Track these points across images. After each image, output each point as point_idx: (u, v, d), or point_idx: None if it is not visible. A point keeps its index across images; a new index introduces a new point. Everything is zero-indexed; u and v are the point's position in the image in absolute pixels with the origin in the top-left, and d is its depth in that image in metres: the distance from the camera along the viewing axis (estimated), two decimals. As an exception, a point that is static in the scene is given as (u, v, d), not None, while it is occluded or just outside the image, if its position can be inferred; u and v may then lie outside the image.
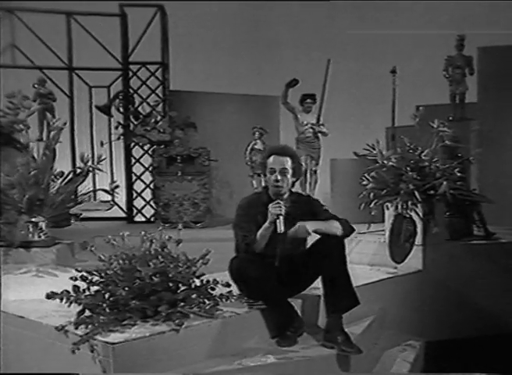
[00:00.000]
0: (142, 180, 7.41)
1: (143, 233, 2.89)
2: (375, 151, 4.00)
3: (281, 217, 2.77)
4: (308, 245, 3.01)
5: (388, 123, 8.19)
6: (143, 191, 7.42)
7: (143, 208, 7.43)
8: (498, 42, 6.09)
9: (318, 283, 2.94)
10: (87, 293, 2.67)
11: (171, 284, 2.68)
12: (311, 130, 6.72)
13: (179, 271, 2.68)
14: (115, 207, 7.21)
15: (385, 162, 3.89)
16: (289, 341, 2.76)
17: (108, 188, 4.79)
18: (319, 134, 6.78)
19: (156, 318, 2.58)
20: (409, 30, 7.90)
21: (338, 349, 2.70)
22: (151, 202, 7.16)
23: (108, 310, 2.61)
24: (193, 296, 2.73)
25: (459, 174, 3.69)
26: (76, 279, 2.65)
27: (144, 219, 7.41)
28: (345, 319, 2.80)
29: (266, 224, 2.83)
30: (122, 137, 7.14)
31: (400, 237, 3.56)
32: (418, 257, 3.71)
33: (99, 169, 4.25)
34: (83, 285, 2.67)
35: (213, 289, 2.77)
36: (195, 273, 2.77)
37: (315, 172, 6.91)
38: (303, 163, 6.88)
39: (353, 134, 8.64)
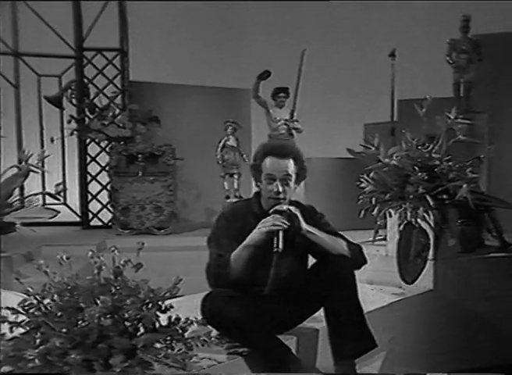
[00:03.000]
0: (98, 181, 6.64)
1: (90, 254, 2.16)
2: (373, 148, 3.37)
3: (281, 232, 2.10)
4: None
5: (367, 118, 7.71)
6: (99, 192, 6.65)
7: (99, 212, 6.65)
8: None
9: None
10: (9, 335, 1.94)
11: (128, 326, 1.97)
12: (284, 126, 6.28)
13: (139, 307, 1.97)
14: (68, 211, 6.51)
15: (387, 160, 3.25)
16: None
17: (53, 191, 4.05)
18: (293, 131, 6.26)
19: None
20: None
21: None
22: (109, 206, 6.40)
23: (37, 362, 1.89)
24: (158, 341, 2.03)
25: (471, 175, 3.09)
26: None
27: (100, 223, 6.63)
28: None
29: (248, 241, 2.15)
30: (75, 133, 6.34)
31: (409, 252, 2.93)
32: (429, 274, 3.08)
33: (40, 169, 3.48)
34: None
35: (184, 330, 2.07)
36: (161, 307, 2.07)
37: None
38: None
39: (329, 131, 8.10)
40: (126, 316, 1.91)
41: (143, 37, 6.89)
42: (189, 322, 2.05)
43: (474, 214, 3.32)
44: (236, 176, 5.77)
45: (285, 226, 2.12)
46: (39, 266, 1.99)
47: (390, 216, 3.25)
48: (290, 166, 2.24)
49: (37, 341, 1.91)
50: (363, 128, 7.71)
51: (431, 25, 7.01)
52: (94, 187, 6.66)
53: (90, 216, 6.68)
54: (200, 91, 7.40)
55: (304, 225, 2.17)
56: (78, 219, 6.66)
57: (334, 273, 2.15)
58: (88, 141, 6.53)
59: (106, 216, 6.59)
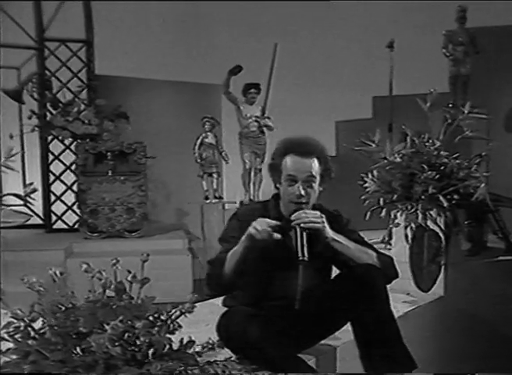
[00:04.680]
0: (62, 181, 6.22)
1: (84, 267, 1.86)
2: (373, 145, 3.17)
3: (305, 238, 1.84)
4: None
5: (339, 115, 7.57)
6: (63, 193, 6.23)
7: (64, 213, 6.23)
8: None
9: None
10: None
11: (136, 352, 1.68)
12: (255, 123, 6.06)
13: (149, 331, 1.69)
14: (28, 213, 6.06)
15: (392, 158, 3.06)
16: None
17: (21, 192, 3.65)
18: (264, 128, 6.07)
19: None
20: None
21: None
22: (75, 207, 6.00)
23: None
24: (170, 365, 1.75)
25: (485, 174, 2.93)
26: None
27: (65, 226, 6.22)
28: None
29: (244, 239, 1.87)
30: (36, 129, 5.90)
31: (422, 257, 2.75)
32: (439, 280, 2.90)
33: (10, 168, 3.10)
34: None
35: (200, 355, 1.80)
36: (169, 328, 1.79)
37: (260, 170, 6.21)
38: (246, 161, 6.10)
39: (301, 129, 7.89)
40: (137, 342, 1.62)
41: (109, 27, 6.51)
42: (206, 346, 1.79)
43: (479, 215, 3.17)
44: (215, 176, 5.49)
45: (323, 225, 1.88)
46: (31, 285, 1.67)
47: (396, 217, 3.05)
48: (314, 165, 1.99)
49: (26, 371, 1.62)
50: (334, 125, 7.61)
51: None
52: (57, 188, 6.23)
53: (54, 218, 6.25)
54: (170, 87, 7.12)
55: (329, 233, 1.93)
56: (40, 221, 6.22)
57: (362, 284, 1.91)
58: (51, 138, 6.11)
59: (71, 218, 6.18)
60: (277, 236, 1.83)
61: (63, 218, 6.24)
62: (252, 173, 6.18)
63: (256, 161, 6.20)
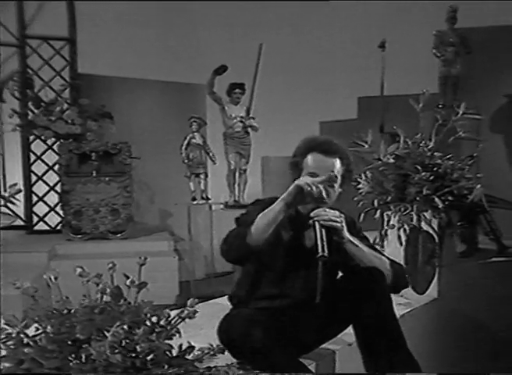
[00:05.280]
0: (45, 182, 6.09)
1: (79, 270, 1.79)
2: (366, 146, 3.15)
3: (324, 234, 1.80)
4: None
5: (323, 116, 7.56)
6: (45, 194, 6.10)
7: (46, 214, 6.10)
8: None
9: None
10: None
11: (135, 358, 1.63)
12: (240, 123, 6.04)
13: (150, 338, 1.63)
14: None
15: (386, 159, 3.04)
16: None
17: (5, 193, 3.55)
18: (249, 129, 6.06)
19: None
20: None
21: None
22: (57, 208, 5.88)
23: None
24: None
25: (479, 175, 2.93)
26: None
27: (47, 228, 6.10)
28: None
29: (286, 194, 1.88)
30: (18, 129, 5.77)
31: (417, 259, 2.73)
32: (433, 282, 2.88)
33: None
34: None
35: (200, 361, 1.75)
36: (168, 333, 1.74)
37: (245, 171, 6.20)
38: (231, 161, 6.06)
39: (286, 129, 7.87)
40: (138, 349, 1.56)
41: (93, 25, 6.40)
42: (206, 351, 1.74)
43: (471, 216, 3.17)
44: (202, 177, 5.42)
45: (342, 225, 1.86)
46: (25, 290, 1.61)
47: (389, 219, 3.04)
48: (337, 165, 1.96)
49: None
50: (318, 126, 7.59)
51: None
52: (39, 188, 6.11)
53: (35, 219, 6.13)
54: (153, 86, 7.03)
55: (346, 234, 1.90)
56: (21, 222, 6.08)
57: (366, 288, 1.88)
58: (32, 138, 5.99)
59: (53, 219, 6.06)
60: (318, 190, 1.85)
61: (46, 219, 6.11)
62: (237, 174, 6.15)
63: (241, 161, 6.18)
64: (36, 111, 5.78)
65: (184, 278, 5.15)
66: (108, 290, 1.65)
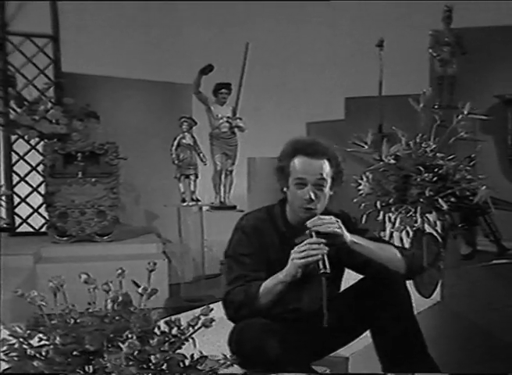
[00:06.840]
0: (27, 182, 5.93)
1: (84, 277, 1.70)
2: (366, 147, 3.12)
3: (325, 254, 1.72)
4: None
5: (310, 117, 7.52)
6: (28, 195, 5.94)
7: (29, 216, 5.94)
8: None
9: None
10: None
11: (148, 370, 1.54)
12: (226, 124, 5.99)
13: (162, 349, 1.55)
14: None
15: (387, 160, 3.00)
16: None
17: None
18: (236, 129, 6.04)
19: None
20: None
21: None
22: (41, 210, 5.73)
23: None
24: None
25: (481, 176, 2.91)
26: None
27: (30, 230, 5.95)
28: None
29: (284, 278, 1.79)
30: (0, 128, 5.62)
31: (421, 261, 2.69)
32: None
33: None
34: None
35: (215, 372, 1.67)
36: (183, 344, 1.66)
37: (231, 172, 6.14)
38: (217, 162, 5.99)
39: (272, 130, 7.81)
40: (153, 360, 1.48)
41: (76, 23, 6.25)
42: (221, 362, 1.66)
43: (472, 218, 3.15)
44: (192, 178, 5.33)
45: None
46: (32, 299, 1.51)
47: (390, 221, 3.00)
48: (325, 167, 1.88)
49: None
50: (305, 127, 7.55)
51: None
52: (22, 189, 5.94)
53: (18, 221, 5.96)
54: (139, 86, 6.88)
55: (348, 236, 1.83)
56: (3, 224, 5.91)
57: (382, 289, 1.83)
58: (14, 137, 5.83)
59: (37, 221, 5.91)
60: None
61: (29, 221, 5.96)
62: (223, 175, 6.09)
63: (227, 162, 6.13)
64: (19, 110, 5.62)
65: (173, 281, 5.06)
66: (120, 298, 1.56)
